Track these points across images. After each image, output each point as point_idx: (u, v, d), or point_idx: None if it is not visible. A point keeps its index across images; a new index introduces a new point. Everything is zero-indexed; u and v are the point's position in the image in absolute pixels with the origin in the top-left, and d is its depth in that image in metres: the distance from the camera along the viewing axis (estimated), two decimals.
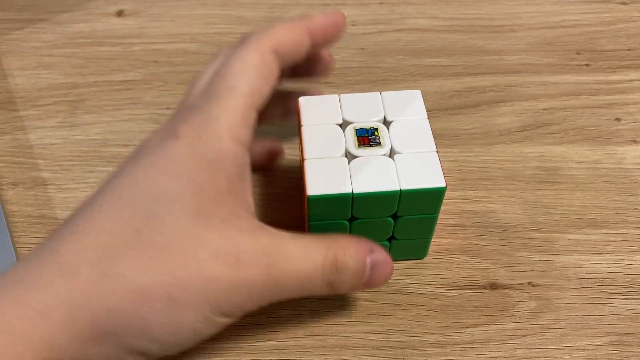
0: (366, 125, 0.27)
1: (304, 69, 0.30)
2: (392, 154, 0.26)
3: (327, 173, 0.25)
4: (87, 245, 0.21)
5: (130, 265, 0.21)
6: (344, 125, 0.27)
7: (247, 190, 0.25)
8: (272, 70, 0.25)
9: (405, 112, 0.27)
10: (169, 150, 0.23)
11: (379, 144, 0.26)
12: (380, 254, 0.24)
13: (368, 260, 0.24)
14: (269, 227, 0.23)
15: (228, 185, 0.23)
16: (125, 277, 0.21)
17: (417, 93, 0.28)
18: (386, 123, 0.27)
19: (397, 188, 0.25)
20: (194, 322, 0.22)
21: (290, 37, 0.26)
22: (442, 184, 0.25)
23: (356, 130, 0.27)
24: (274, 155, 0.33)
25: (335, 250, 0.23)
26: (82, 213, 0.22)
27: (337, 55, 0.40)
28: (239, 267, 0.22)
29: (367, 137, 0.26)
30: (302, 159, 0.26)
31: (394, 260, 0.29)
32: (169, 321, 0.21)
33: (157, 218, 0.22)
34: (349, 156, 0.26)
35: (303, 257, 0.23)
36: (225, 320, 0.23)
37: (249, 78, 0.24)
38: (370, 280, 0.24)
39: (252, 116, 0.25)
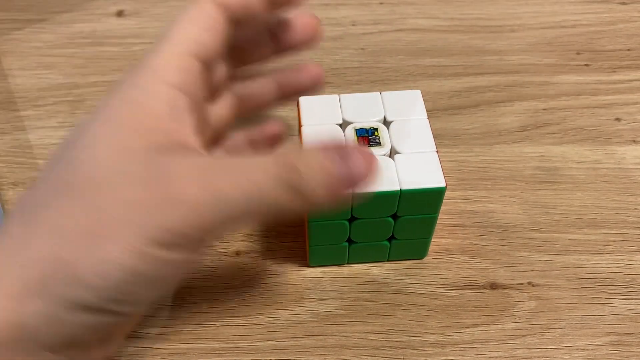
0: (366, 125, 0.27)
1: (286, 38, 0.28)
2: (392, 154, 0.26)
3: None
4: (19, 205, 0.21)
5: (53, 211, 0.20)
6: (344, 125, 0.27)
7: (184, 133, 0.22)
8: (214, 19, 0.24)
9: (406, 112, 0.27)
10: (98, 103, 0.23)
11: (379, 144, 0.26)
12: (349, 145, 0.21)
13: (336, 155, 0.20)
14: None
15: (156, 124, 0.22)
16: (47, 223, 0.20)
17: (417, 93, 0.28)
18: (386, 123, 0.27)
19: (397, 188, 0.25)
20: (119, 256, 0.19)
21: None
22: (442, 184, 0.25)
23: (356, 130, 0.27)
24: (274, 140, 0.30)
25: (284, 152, 0.20)
26: None
27: (337, 55, 0.40)
28: (165, 186, 0.19)
29: (367, 137, 0.26)
30: None
31: (394, 260, 0.29)
32: (93, 260, 0.19)
33: (78, 161, 0.21)
34: None
35: (247, 165, 0.20)
36: (164, 254, 0.19)
37: (183, 27, 0.24)
38: (347, 173, 0.20)
39: (189, 62, 0.23)
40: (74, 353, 0.21)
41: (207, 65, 0.24)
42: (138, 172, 0.20)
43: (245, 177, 0.20)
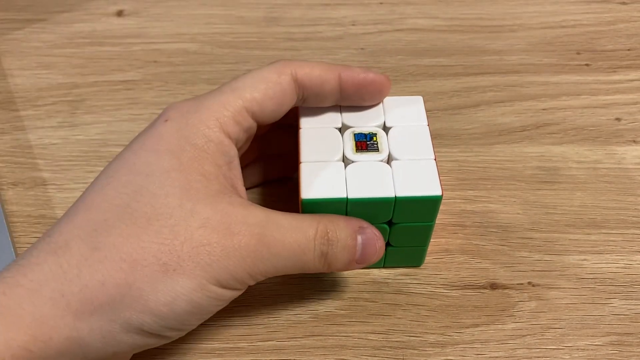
0: (365, 130, 0.27)
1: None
2: (389, 160, 0.26)
3: (322, 177, 0.25)
4: (77, 222, 0.22)
5: (120, 236, 0.21)
6: (342, 129, 0.27)
7: (237, 180, 0.25)
8: (285, 90, 0.26)
9: (406, 118, 0.27)
10: (157, 131, 0.24)
11: (377, 150, 0.26)
12: (369, 230, 0.25)
13: (359, 237, 0.24)
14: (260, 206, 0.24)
15: (216, 172, 0.24)
16: (115, 247, 0.21)
17: (419, 99, 0.28)
18: (385, 128, 0.27)
19: (392, 195, 0.24)
20: (188, 291, 0.21)
21: (317, 71, 0.26)
22: (438, 193, 0.24)
23: (354, 134, 0.26)
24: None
25: (325, 224, 0.24)
26: (78, 199, 0.23)
27: (337, 55, 0.40)
28: (231, 234, 0.22)
29: (365, 142, 0.26)
30: (299, 162, 0.26)
31: (390, 267, 0.29)
32: (163, 289, 0.21)
33: (147, 192, 0.22)
34: (346, 161, 0.26)
35: (294, 227, 0.23)
36: (223, 292, 0.22)
37: (255, 86, 0.25)
38: (362, 257, 0.25)
39: (245, 118, 0.25)
40: None
41: (257, 127, 0.26)
42: (207, 215, 0.22)
43: (294, 240, 0.23)
